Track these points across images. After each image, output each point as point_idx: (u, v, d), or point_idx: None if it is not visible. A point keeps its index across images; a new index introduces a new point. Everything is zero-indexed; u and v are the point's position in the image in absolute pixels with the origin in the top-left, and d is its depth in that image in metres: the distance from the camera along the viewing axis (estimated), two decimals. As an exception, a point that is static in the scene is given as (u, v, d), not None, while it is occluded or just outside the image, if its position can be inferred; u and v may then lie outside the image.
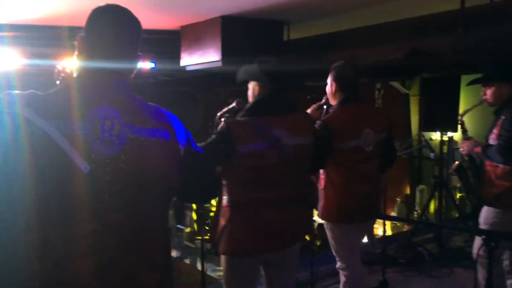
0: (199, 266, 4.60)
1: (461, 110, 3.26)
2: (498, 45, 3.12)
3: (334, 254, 2.95)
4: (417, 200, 6.55)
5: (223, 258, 2.35)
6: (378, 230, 5.41)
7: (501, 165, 2.94)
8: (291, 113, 2.37)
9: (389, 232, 5.64)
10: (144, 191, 1.40)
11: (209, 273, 4.68)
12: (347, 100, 2.88)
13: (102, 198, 1.32)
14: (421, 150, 5.36)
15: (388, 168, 3.21)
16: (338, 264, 2.99)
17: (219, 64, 3.89)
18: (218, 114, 2.58)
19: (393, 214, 6.80)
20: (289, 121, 2.32)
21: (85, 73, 1.43)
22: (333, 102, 2.94)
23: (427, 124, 4.73)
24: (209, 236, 2.42)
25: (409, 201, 6.73)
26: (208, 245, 4.76)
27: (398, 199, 6.78)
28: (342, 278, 2.97)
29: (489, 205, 3.06)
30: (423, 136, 4.01)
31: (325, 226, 2.98)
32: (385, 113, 3.24)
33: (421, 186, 6.43)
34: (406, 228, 6.20)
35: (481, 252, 2.60)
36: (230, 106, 2.52)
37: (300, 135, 2.36)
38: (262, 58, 2.42)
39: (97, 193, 1.32)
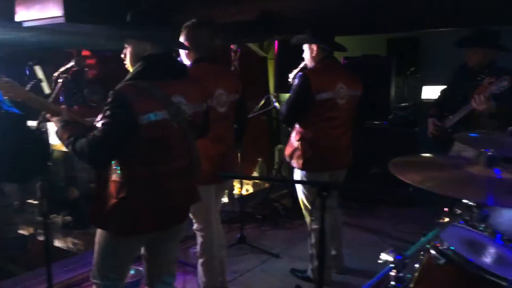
0: (56, 243, 4.30)
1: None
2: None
3: (191, 216, 2.96)
4: (276, 159, 6.90)
5: (105, 235, 2.13)
6: (242, 190, 5.61)
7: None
8: (185, 77, 2.22)
9: (251, 190, 5.87)
10: None
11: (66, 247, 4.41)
12: (200, 60, 2.85)
13: None
14: (277, 110, 5.60)
15: (243, 129, 3.32)
16: (195, 226, 3.01)
17: (62, 20, 3.52)
18: (56, 74, 2.34)
19: (255, 173, 7.10)
20: (185, 85, 2.16)
21: None
22: (186, 61, 2.88)
23: (281, 86, 4.96)
24: (92, 214, 2.15)
25: (269, 160, 7.06)
26: (59, 219, 4.48)
27: (260, 159, 7.08)
28: (199, 239, 3.01)
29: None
30: (275, 97, 4.19)
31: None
32: (238, 75, 3.29)
33: (279, 146, 6.77)
34: (267, 185, 6.54)
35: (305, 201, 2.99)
36: (68, 66, 2.31)
37: (197, 102, 2.24)
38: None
39: None
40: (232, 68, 4.14)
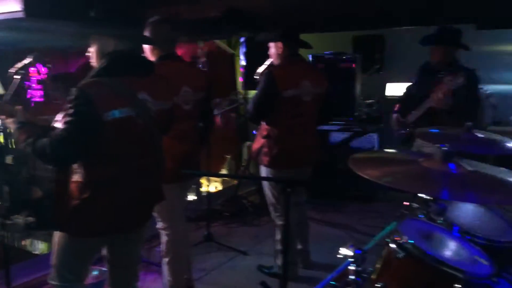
0: (17, 244, 4.17)
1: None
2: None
3: (156, 215, 2.92)
4: (245, 156, 6.91)
5: (65, 236, 2.07)
6: (211, 187, 5.59)
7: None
8: (151, 74, 2.17)
9: (219, 187, 5.85)
10: None
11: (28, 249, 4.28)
12: (164, 57, 2.81)
13: None
14: (245, 108, 5.60)
15: (209, 127, 3.31)
16: (159, 225, 2.98)
17: (21, 15, 3.40)
18: (12, 70, 2.26)
19: (224, 170, 7.09)
20: (150, 83, 2.12)
21: None
22: (151, 59, 2.84)
23: (248, 83, 4.96)
24: (55, 216, 2.08)
25: (237, 157, 7.05)
26: (21, 219, 4.35)
27: (228, 156, 7.07)
28: (164, 238, 2.98)
29: None
30: (241, 94, 4.18)
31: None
32: (204, 72, 3.27)
33: (247, 143, 6.78)
34: (235, 182, 6.54)
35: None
36: (26, 61, 2.23)
37: (162, 100, 2.20)
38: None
39: None
40: (199, 65, 4.12)
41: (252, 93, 4.90)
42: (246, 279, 3.48)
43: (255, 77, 3.50)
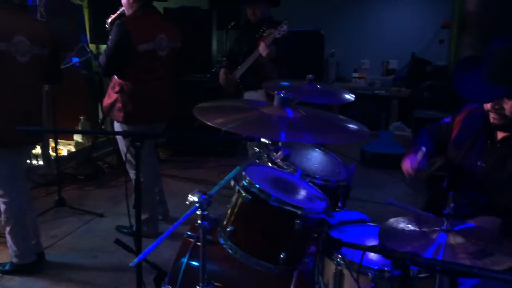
0: None
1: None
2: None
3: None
4: (100, 115, 6.54)
5: None
6: (63, 150, 5.20)
7: None
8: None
9: (72, 150, 5.48)
10: None
11: None
12: None
13: None
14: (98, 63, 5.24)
15: (56, 83, 3.09)
16: (-3, 192, 2.70)
17: None
18: None
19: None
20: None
21: None
22: None
23: (97, 36, 4.62)
24: None
25: (92, 117, 6.65)
26: None
27: (82, 117, 6.62)
28: (2, 206, 2.72)
29: None
30: (88, 47, 3.89)
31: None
32: (44, 25, 2.93)
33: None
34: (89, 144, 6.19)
35: (128, 154, 3.02)
36: None
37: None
38: None
39: None
40: (38, 16, 3.72)
41: (104, 47, 4.61)
42: (104, 241, 3.36)
43: (107, 27, 3.29)
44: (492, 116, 1.88)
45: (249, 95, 3.73)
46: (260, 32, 3.59)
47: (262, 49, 3.43)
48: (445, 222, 1.46)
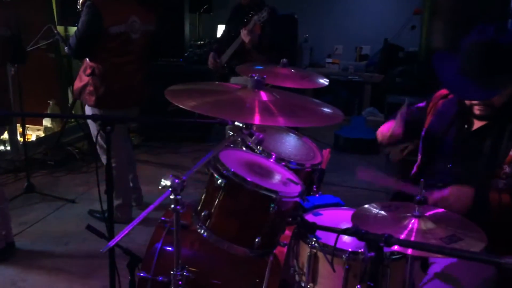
0: None
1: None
2: None
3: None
4: (70, 100, 6.38)
5: None
6: (32, 136, 5.06)
7: None
8: None
9: (41, 135, 5.34)
10: None
11: None
12: None
13: None
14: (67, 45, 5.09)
15: (19, 61, 3.02)
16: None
17: None
18: None
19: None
20: None
21: None
22: None
23: (64, 17, 4.48)
24: None
25: (61, 102, 6.48)
26: None
27: (51, 101, 6.45)
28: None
29: None
30: (55, 29, 3.76)
31: None
32: (7, 6, 2.82)
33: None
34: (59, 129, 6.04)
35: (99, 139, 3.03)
36: None
37: None
38: None
39: None
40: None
41: (73, 29, 4.47)
42: (75, 227, 3.30)
43: (78, 8, 3.19)
44: (477, 109, 1.81)
45: (234, 80, 3.68)
46: (249, 17, 3.56)
47: (244, 35, 3.43)
48: (417, 208, 1.49)
